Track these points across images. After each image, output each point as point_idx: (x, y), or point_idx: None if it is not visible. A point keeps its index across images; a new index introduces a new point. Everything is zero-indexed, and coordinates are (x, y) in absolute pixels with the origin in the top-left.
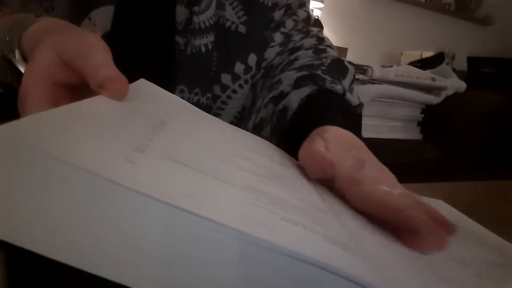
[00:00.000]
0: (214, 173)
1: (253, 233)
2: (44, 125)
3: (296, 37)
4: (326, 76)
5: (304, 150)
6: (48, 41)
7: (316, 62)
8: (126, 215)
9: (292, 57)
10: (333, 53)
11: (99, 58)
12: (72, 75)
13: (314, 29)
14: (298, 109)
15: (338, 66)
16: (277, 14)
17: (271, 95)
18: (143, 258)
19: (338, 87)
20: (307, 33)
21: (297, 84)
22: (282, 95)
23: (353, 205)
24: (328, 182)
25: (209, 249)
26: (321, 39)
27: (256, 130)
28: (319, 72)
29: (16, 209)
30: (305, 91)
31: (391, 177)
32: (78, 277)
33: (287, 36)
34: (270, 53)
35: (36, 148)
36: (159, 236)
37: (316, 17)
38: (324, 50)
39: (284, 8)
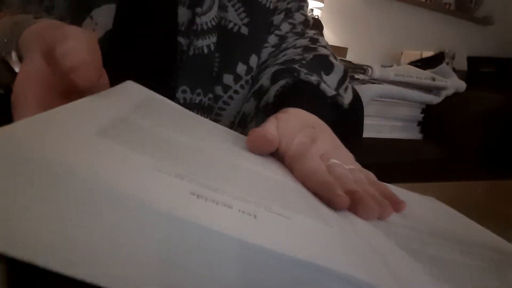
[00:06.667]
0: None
1: (255, 242)
2: (39, 129)
3: (291, 39)
4: (302, 69)
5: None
6: (36, 43)
7: (298, 57)
8: (125, 221)
9: (280, 55)
10: (323, 51)
11: (66, 46)
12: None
13: (311, 32)
14: (274, 100)
15: (322, 61)
16: (277, 19)
17: (252, 89)
18: (140, 266)
19: (312, 78)
20: (302, 35)
21: (274, 78)
22: (262, 90)
23: (300, 182)
24: (281, 160)
25: (208, 255)
26: (315, 40)
27: (240, 125)
28: (296, 65)
29: (14, 219)
30: (280, 84)
31: (346, 154)
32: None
33: (282, 38)
34: (263, 54)
35: (34, 153)
36: (157, 241)
37: (316, 17)
38: (314, 49)
39: (284, 12)
